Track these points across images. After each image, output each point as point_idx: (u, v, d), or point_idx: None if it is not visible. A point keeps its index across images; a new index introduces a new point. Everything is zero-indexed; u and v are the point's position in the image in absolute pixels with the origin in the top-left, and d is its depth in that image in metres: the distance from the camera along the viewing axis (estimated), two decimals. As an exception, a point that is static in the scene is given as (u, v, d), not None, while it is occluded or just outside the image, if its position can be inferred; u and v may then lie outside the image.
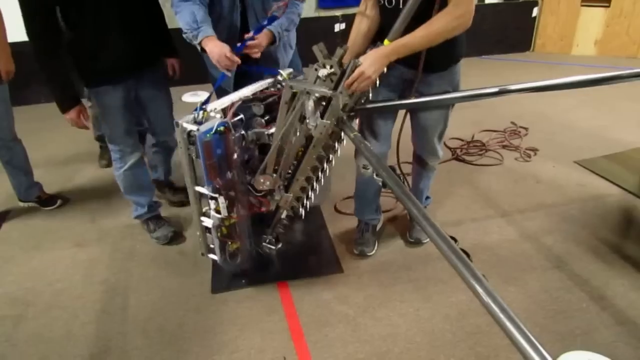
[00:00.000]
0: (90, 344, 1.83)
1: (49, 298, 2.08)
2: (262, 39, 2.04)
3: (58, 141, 3.87)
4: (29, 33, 1.88)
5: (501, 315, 0.86)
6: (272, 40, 2.10)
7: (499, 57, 6.17)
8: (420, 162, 2.20)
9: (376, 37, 1.82)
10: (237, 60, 1.95)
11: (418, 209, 1.15)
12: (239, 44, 1.99)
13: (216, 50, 1.93)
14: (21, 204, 2.81)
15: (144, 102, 2.25)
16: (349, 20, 1.99)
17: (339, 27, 5.51)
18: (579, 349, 1.67)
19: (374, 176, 1.48)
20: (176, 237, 2.45)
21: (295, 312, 1.94)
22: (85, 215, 2.74)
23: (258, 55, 2.04)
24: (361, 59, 1.62)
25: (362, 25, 1.82)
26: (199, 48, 2.02)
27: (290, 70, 1.99)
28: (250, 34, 2.02)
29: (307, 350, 1.76)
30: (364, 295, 2.02)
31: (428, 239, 2.30)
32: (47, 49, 1.90)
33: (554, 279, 2.08)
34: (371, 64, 1.59)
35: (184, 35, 2.01)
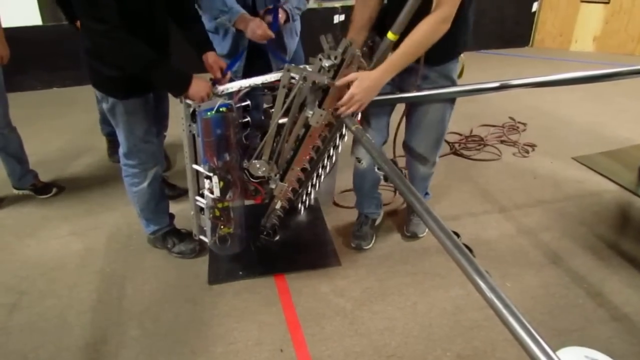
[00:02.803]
0: (86, 334, 1.81)
1: (44, 287, 2.06)
2: (282, 14, 2.22)
3: (54, 129, 3.83)
4: (104, 34, 1.59)
5: (505, 312, 0.85)
6: (286, 19, 2.26)
7: (497, 52, 6.16)
8: (413, 167, 2.14)
9: (379, 22, 1.79)
10: (271, 34, 2.15)
11: (420, 203, 1.14)
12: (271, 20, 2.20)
13: (251, 24, 2.13)
14: (15, 192, 2.78)
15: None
16: (349, 12, 1.99)
17: (338, 18, 5.47)
18: (575, 344, 1.69)
19: (376, 169, 1.47)
20: (202, 249, 2.23)
21: (293, 305, 1.93)
22: (81, 203, 2.71)
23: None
24: (356, 82, 1.59)
25: (363, 12, 1.77)
26: (233, 29, 2.21)
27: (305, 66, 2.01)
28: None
29: (304, 342, 1.75)
30: (361, 288, 2.02)
31: (424, 233, 2.30)
32: (124, 34, 1.61)
33: (551, 275, 2.09)
34: (362, 90, 1.59)
35: (217, 21, 2.19)
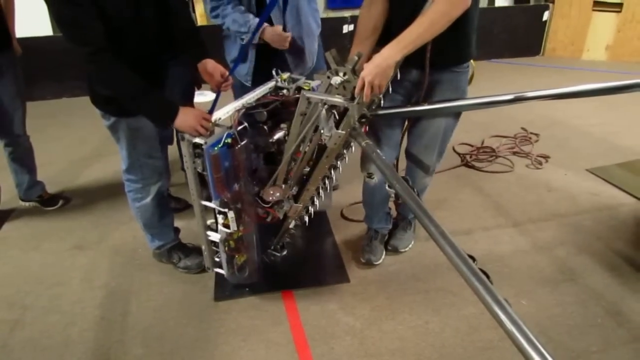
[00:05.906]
0: (88, 352, 1.77)
1: (47, 302, 2.03)
2: None
3: (62, 139, 3.83)
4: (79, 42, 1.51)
5: (527, 347, 0.79)
6: None
7: (508, 61, 6.10)
8: (414, 174, 2.04)
9: (384, 33, 1.73)
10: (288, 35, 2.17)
11: (435, 226, 1.09)
12: None
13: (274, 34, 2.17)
14: (22, 204, 2.77)
15: None
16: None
17: (347, 28, 5.45)
18: (595, 368, 1.62)
19: (387, 187, 1.42)
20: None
21: (301, 323, 1.87)
22: (87, 216, 2.69)
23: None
24: (365, 66, 1.50)
25: (368, 23, 1.72)
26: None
27: (288, 74, 1.99)
28: None
29: (313, 363, 1.70)
30: (371, 306, 1.96)
31: (406, 249, 2.29)
32: (108, 59, 1.54)
33: (567, 293, 2.02)
34: (373, 68, 1.48)
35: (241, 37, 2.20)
